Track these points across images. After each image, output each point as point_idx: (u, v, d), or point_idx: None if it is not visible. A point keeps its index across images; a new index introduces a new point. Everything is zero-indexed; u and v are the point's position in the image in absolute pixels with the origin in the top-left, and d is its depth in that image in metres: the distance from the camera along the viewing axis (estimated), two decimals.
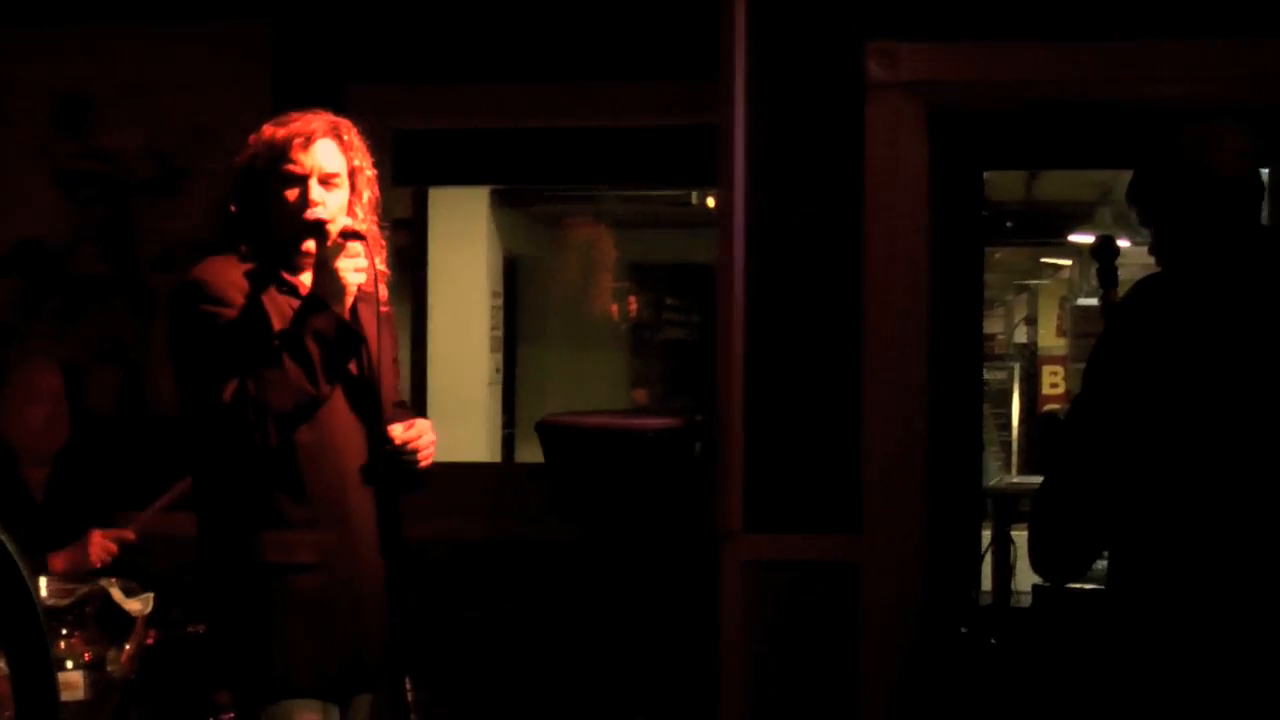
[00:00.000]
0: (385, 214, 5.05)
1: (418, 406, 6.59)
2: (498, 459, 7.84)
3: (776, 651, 4.69)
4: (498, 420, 8.10)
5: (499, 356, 8.07)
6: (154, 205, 5.03)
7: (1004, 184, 6.86)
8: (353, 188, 3.36)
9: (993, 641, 4.39)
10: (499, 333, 8.04)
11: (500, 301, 8.07)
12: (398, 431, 3.33)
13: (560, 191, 8.16)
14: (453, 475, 5.05)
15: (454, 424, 7.27)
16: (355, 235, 3.23)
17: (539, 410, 5.73)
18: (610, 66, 4.88)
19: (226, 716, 4.14)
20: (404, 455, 3.34)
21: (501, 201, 7.92)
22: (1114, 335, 3.48)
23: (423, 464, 3.39)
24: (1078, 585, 4.26)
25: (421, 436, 3.37)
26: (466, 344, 7.70)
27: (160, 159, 5.02)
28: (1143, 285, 3.58)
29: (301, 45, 4.97)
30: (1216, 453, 3.21)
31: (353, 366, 3.27)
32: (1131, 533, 3.40)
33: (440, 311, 7.10)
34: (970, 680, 4.40)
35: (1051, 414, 3.76)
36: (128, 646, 4.07)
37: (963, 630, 4.49)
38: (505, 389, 8.24)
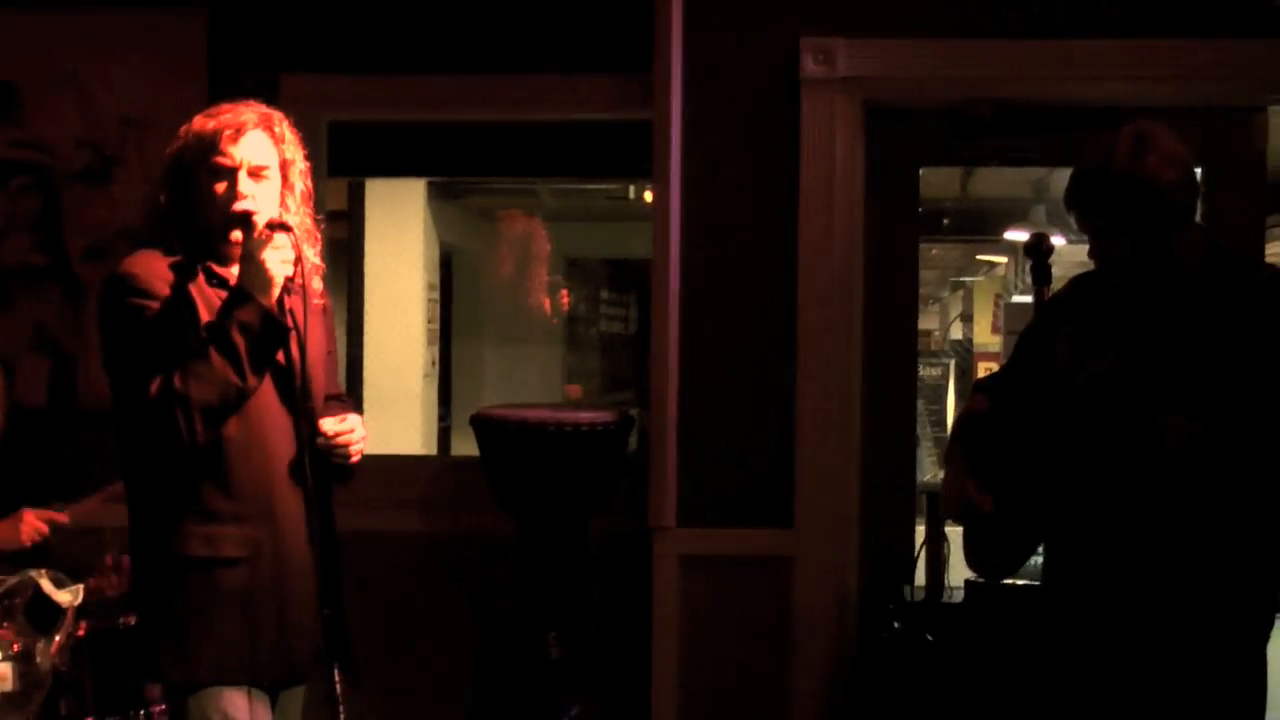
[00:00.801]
0: (320, 206, 5.06)
1: (353, 399, 6.58)
2: (434, 452, 7.82)
3: (709, 645, 4.70)
4: (434, 413, 8.08)
5: (435, 349, 8.04)
6: (86, 195, 4.99)
7: (940, 181, 6.89)
8: (284, 180, 3.33)
9: (927, 637, 4.41)
10: (435, 325, 8.01)
11: (436, 294, 8.04)
12: (329, 425, 3.32)
13: (497, 185, 8.14)
14: (388, 468, 5.06)
15: (390, 416, 7.26)
16: (282, 227, 3.21)
17: (475, 403, 5.72)
18: (547, 60, 4.88)
19: (157, 709, 4.13)
20: (334, 450, 3.32)
21: (438, 194, 7.89)
22: (1034, 327, 3.56)
23: (353, 459, 3.38)
24: (1010, 581, 4.30)
25: (353, 431, 3.36)
26: (402, 336, 7.67)
27: (93, 148, 4.98)
28: (1075, 281, 3.64)
29: (236, 35, 4.94)
30: (1128, 449, 3.27)
31: (280, 359, 3.25)
32: (1056, 526, 3.45)
33: (376, 304, 7.07)
34: (902, 675, 4.43)
35: (970, 412, 3.80)
36: (57, 638, 4.05)
37: (895, 625, 4.51)
38: (441, 382, 8.22)
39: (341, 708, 3.13)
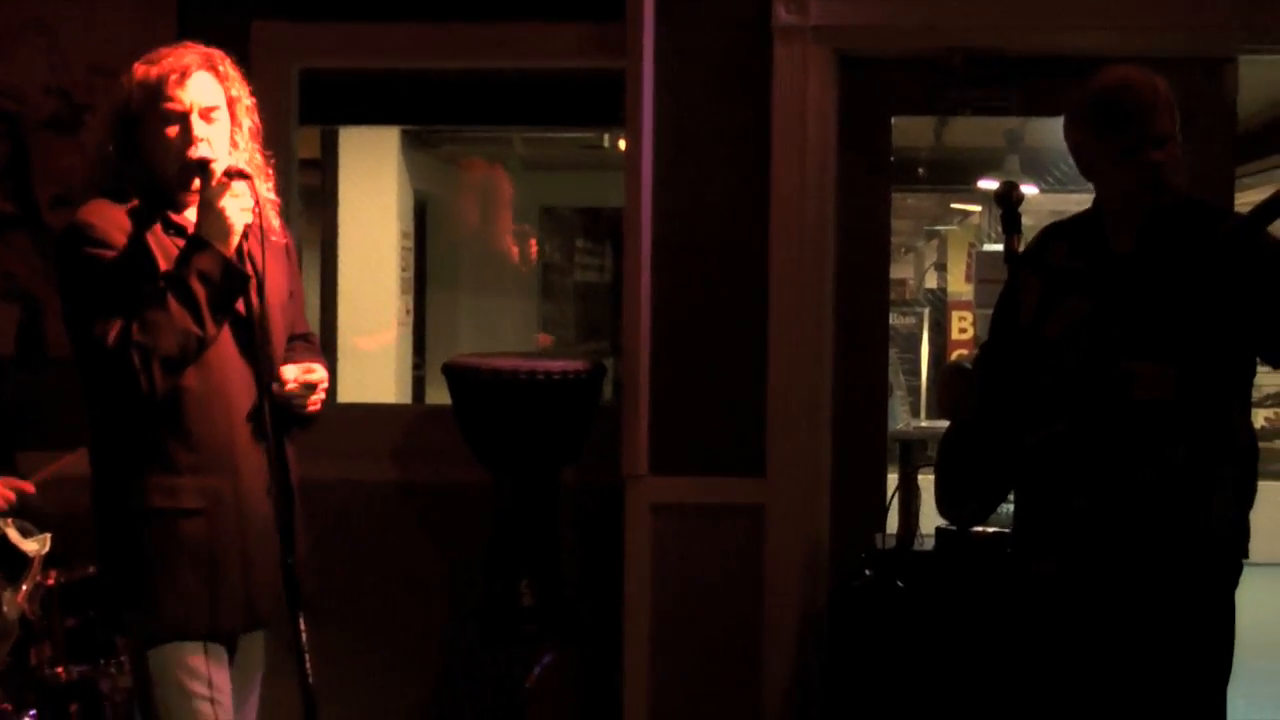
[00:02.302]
0: (295, 154, 5.05)
1: (325, 349, 6.57)
2: (408, 400, 7.82)
3: (681, 593, 4.72)
4: (408, 362, 8.08)
5: (409, 298, 8.04)
6: (55, 143, 4.96)
7: (914, 130, 6.89)
8: (232, 118, 3.31)
9: (897, 584, 4.43)
10: (409, 274, 8.00)
11: (410, 243, 8.03)
12: (290, 373, 3.30)
13: (471, 133, 8.12)
14: (362, 417, 5.06)
15: (364, 365, 7.26)
16: (240, 174, 3.19)
17: (450, 352, 5.72)
18: (520, 8, 4.85)
19: (126, 658, 4.13)
20: (294, 398, 3.31)
21: (412, 142, 7.87)
22: (1011, 279, 3.58)
23: (311, 409, 3.35)
24: (980, 529, 4.33)
25: (315, 377, 3.35)
26: (376, 285, 7.66)
27: (61, 96, 4.95)
28: (1045, 231, 3.66)
29: None
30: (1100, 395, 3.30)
31: (240, 307, 3.23)
32: (1028, 474, 3.48)
33: (350, 252, 7.07)
34: (872, 622, 4.45)
35: (958, 364, 3.83)
36: (24, 587, 4.04)
37: (867, 573, 4.53)
38: (416, 331, 8.21)
39: (307, 656, 3.13)
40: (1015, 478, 3.54)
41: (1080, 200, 3.71)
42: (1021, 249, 3.61)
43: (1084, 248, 3.50)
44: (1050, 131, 8.71)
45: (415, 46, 4.92)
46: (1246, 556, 3.48)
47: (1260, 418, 11.00)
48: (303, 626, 3.11)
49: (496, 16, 4.86)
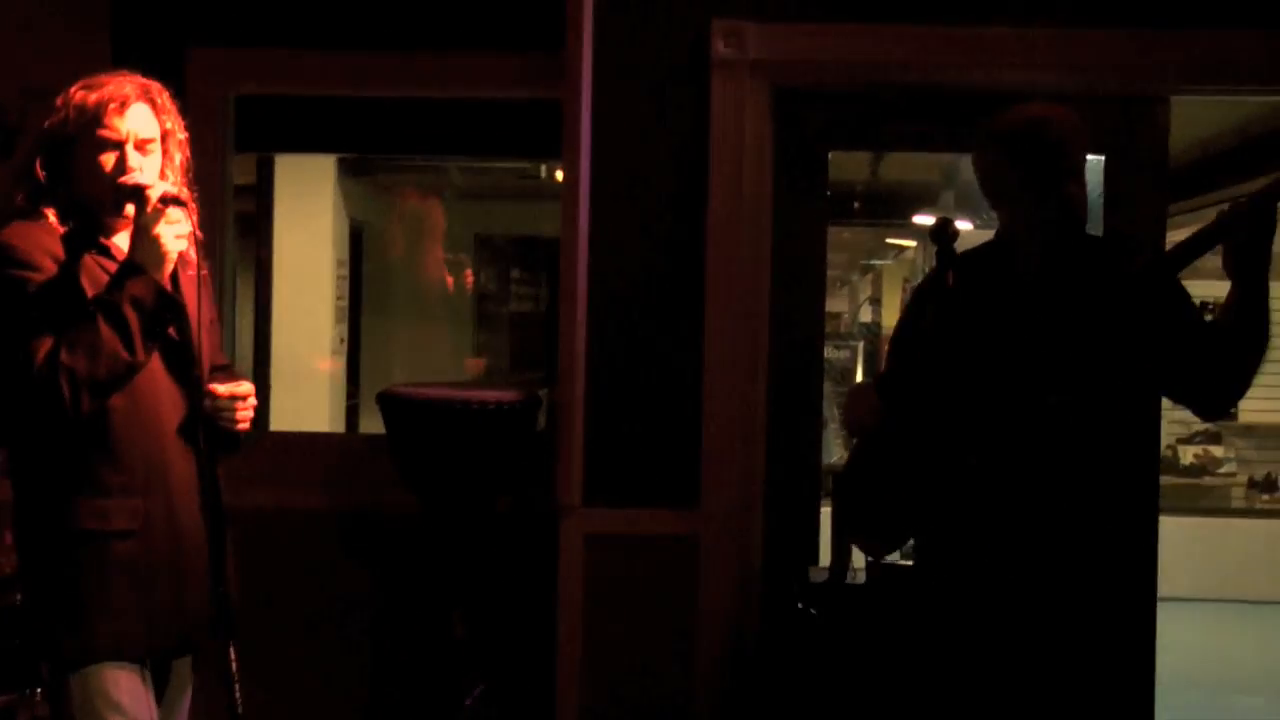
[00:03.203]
0: (229, 180, 5.02)
1: (259, 376, 6.54)
2: (342, 429, 7.79)
3: (615, 624, 4.71)
4: (342, 390, 8.05)
5: (344, 326, 8.01)
6: None
7: (850, 164, 6.93)
8: (164, 151, 3.31)
9: (824, 619, 4.45)
10: (344, 302, 7.97)
11: (346, 270, 8.01)
12: (220, 387, 3.30)
13: (407, 162, 8.11)
14: (296, 445, 5.03)
15: (298, 393, 7.22)
16: (176, 201, 3.18)
17: (384, 381, 5.70)
18: (457, 37, 4.85)
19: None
20: (223, 413, 3.30)
21: (348, 170, 7.85)
22: (917, 307, 3.65)
23: (240, 425, 3.36)
24: (905, 561, 4.35)
25: (243, 389, 3.35)
26: (311, 313, 7.63)
27: None
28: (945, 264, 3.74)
29: (141, 6, 4.87)
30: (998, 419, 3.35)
31: (172, 332, 3.22)
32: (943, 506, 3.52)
33: (285, 280, 7.04)
34: (802, 655, 4.46)
35: (866, 383, 3.88)
36: None
37: (799, 606, 4.54)
38: (350, 359, 8.18)
39: (237, 685, 3.11)
40: (932, 509, 3.56)
41: None
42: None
43: (992, 276, 3.54)
44: None
45: (352, 75, 4.91)
46: (1154, 588, 3.55)
47: (1190, 454, 11.11)
48: (233, 655, 3.10)
49: (435, 46, 4.86)
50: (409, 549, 4.75)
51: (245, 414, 3.36)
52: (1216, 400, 3.50)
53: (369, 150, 6.99)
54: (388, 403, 4.60)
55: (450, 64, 4.87)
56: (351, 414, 8.08)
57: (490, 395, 4.55)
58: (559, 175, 4.86)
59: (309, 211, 7.48)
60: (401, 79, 4.91)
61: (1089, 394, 3.35)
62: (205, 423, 3.25)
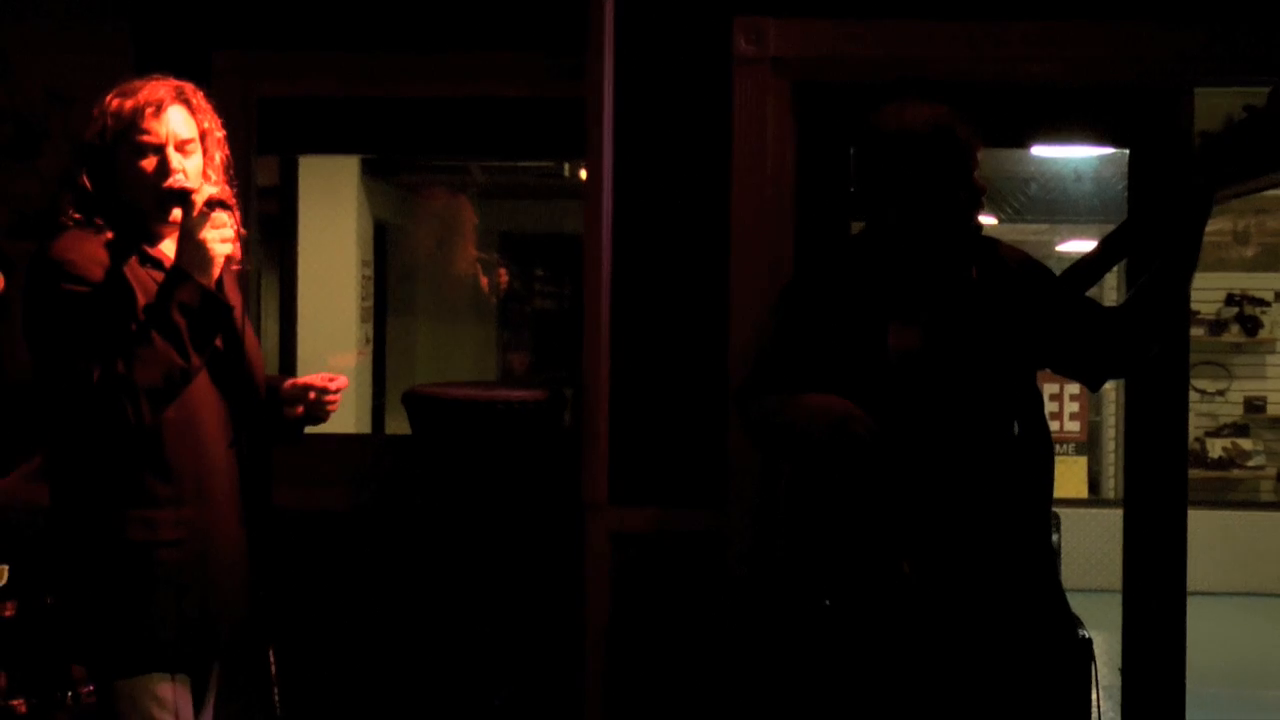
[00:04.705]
0: (251, 182, 5.04)
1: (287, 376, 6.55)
2: (367, 430, 7.80)
3: (641, 623, 4.71)
4: (368, 391, 8.07)
5: (369, 326, 8.03)
6: (11, 169, 4.94)
7: None
8: (204, 151, 3.32)
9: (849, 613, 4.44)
10: (369, 302, 7.99)
11: (370, 271, 8.03)
12: (316, 379, 3.41)
13: (431, 161, 8.12)
14: (321, 446, 5.03)
15: None
16: (221, 204, 3.19)
17: (409, 380, 5.71)
18: (479, 37, 4.86)
19: (85, 689, 4.11)
20: (325, 402, 3.38)
21: (372, 171, 7.87)
22: (813, 291, 3.66)
23: (330, 409, 3.48)
24: None
25: (341, 384, 3.47)
26: (336, 313, 7.65)
27: (17, 122, 4.93)
28: (844, 251, 3.81)
29: (163, 9, 4.88)
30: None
31: (218, 339, 3.23)
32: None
33: (310, 281, 7.04)
34: (829, 652, 4.45)
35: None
36: None
37: (826, 603, 4.53)
38: (375, 359, 8.20)
39: (275, 688, 3.13)
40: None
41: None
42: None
43: (900, 272, 3.57)
44: (1008, 161, 8.81)
45: (375, 75, 4.92)
46: (1183, 582, 3.59)
47: (1218, 447, 11.08)
48: (271, 659, 3.11)
49: (457, 46, 4.87)
50: (434, 549, 4.76)
51: (335, 401, 3.46)
52: (1103, 376, 3.68)
53: (392, 151, 7.01)
54: (413, 402, 4.61)
55: (473, 63, 4.88)
56: (377, 414, 8.10)
57: (515, 394, 4.56)
58: (582, 173, 4.86)
59: (333, 212, 7.51)
60: (424, 79, 4.92)
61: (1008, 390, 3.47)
62: (269, 422, 3.29)
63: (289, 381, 3.46)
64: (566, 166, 7.62)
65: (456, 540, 4.67)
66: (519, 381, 8.70)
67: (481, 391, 4.57)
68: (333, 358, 7.48)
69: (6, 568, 4.08)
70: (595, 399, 4.65)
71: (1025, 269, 3.57)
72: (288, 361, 6.33)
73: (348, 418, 7.54)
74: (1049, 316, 3.48)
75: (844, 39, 4.62)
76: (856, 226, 4.41)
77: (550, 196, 8.85)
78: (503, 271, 9.17)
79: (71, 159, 3.29)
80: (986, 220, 3.81)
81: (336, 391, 3.45)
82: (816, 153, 4.80)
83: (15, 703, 4.11)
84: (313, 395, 3.37)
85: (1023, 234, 9.43)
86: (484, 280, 9.04)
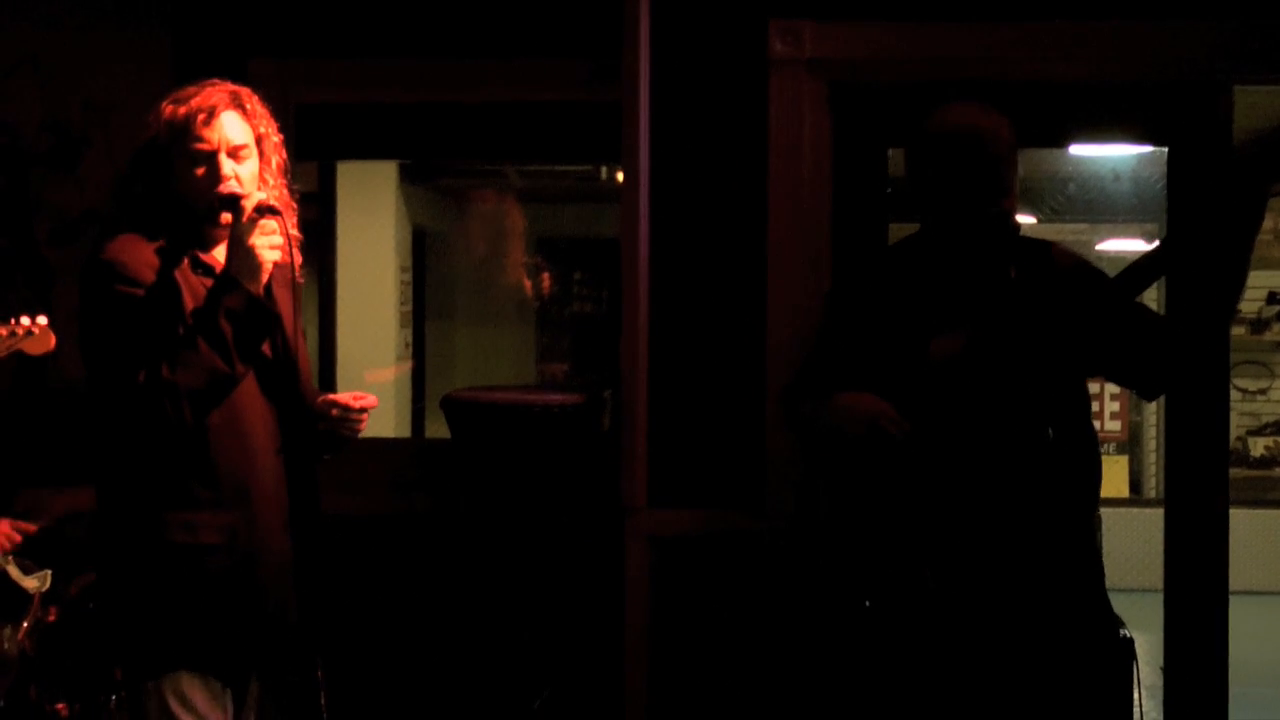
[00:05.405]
0: (291, 188, 5.06)
1: (324, 383, 6.58)
2: (407, 434, 7.83)
3: (681, 625, 4.71)
4: (407, 395, 8.09)
5: (408, 331, 8.05)
6: (52, 178, 4.97)
7: None
8: (261, 155, 3.32)
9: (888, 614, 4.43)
10: (408, 307, 8.02)
11: (409, 276, 8.05)
12: (344, 396, 3.38)
13: (468, 166, 8.14)
14: (361, 451, 5.02)
15: None
16: (270, 210, 3.20)
17: (448, 385, 5.73)
18: (516, 42, 4.87)
19: (124, 693, 4.13)
20: (349, 423, 3.37)
21: (410, 176, 7.89)
22: (858, 296, 3.66)
23: (359, 430, 3.43)
24: None
25: (370, 404, 3.42)
26: (376, 319, 7.67)
27: (58, 132, 4.96)
28: (891, 255, 3.80)
29: (201, 18, 4.92)
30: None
31: (265, 346, 3.25)
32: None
33: (349, 286, 7.05)
34: (869, 653, 4.44)
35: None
36: (24, 624, 4.04)
37: (866, 604, 4.52)
38: (415, 364, 8.22)
39: (323, 693, 3.13)
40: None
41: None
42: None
43: (949, 275, 3.56)
44: (1047, 161, 8.77)
45: (412, 81, 4.94)
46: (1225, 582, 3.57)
47: (1260, 446, 11.00)
48: (319, 667, 3.12)
49: (493, 51, 4.88)
50: (474, 552, 4.77)
51: (364, 416, 3.43)
52: (1156, 384, 3.72)
53: (429, 156, 7.04)
54: (451, 407, 4.62)
55: (509, 68, 4.89)
56: (417, 418, 8.12)
57: (553, 398, 4.57)
58: (619, 177, 4.86)
59: (371, 218, 7.53)
60: (461, 84, 4.94)
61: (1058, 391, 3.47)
62: (312, 431, 3.29)
63: (321, 397, 3.46)
64: (604, 170, 7.63)
65: (496, 544, 4.68)
66: (557, 385, 8.70)
67: (519, 396, 4.58)
68: (370, 373, 7.49)
69: (49, 572, 4.11)
70: (633, 402, 4.65)
71: (1078, 272, 3.55)
72: (327, 366, 6.35)
73: (387, 422, 7.56)
74: (1097, 320, 3.45)
75: (881, 40, 4.62)
76: (894, 227, 4.41)
77: (587, 200, 8.86)
78: (545, 275, 9.18)
79: (127, 165, 3.31)
80: (1024, 220, 3.78)
81: (362, 411, 3.41)
82: (853, 153, 4.80)
83: (59, 706, 4.14)
84: (335, 412, 3.35)
85: (1061, 234, 9.40)
86: (527, 284, 9.06)
